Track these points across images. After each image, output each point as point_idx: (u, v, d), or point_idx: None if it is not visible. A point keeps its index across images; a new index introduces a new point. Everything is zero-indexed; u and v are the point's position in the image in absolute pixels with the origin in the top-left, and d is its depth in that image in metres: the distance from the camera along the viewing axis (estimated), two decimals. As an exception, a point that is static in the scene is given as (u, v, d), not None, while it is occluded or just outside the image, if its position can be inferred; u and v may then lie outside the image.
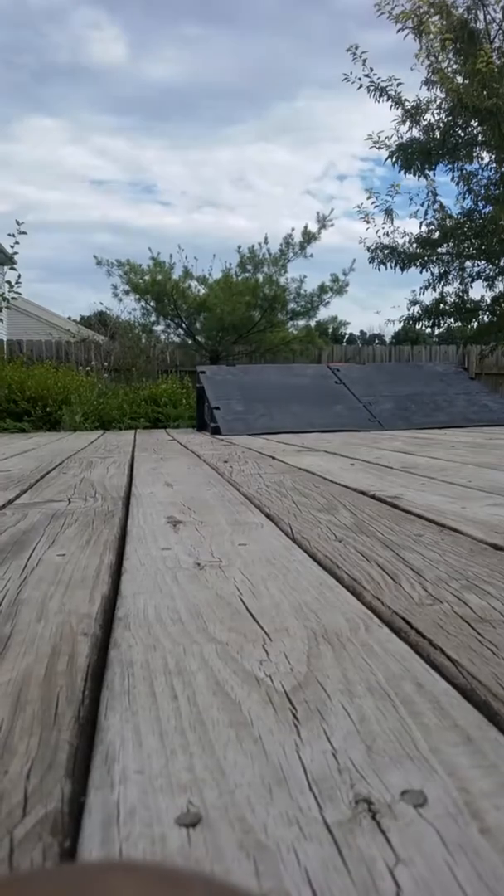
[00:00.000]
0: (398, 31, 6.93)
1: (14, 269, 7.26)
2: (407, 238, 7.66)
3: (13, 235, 7.10)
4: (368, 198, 7.63)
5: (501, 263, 7.68)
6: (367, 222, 7.62)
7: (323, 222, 9.51)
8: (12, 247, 7.19)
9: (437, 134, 7.26)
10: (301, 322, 10.53)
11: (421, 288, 7.96)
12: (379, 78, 7.14)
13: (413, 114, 7.30)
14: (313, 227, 9.55)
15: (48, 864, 0.30)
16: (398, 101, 7.25)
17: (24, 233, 7.12)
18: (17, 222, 7.09)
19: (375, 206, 7.60)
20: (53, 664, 0.53)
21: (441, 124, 7.33)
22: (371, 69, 7.07)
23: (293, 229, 9.69)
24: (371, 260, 7.68)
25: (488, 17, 7.14)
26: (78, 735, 0.42)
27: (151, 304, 9.70)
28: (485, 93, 6.63)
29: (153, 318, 9.93)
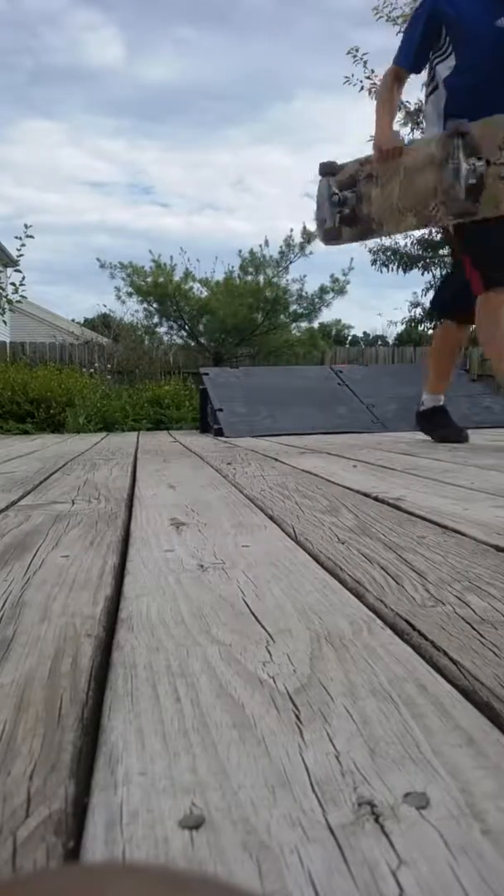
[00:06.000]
0: (397, 34, 6.93)
1: (19, 272, 7.29)
2: (409, 239, 7.67)
3: (20, 238, 7.13)
4: None
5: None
6: None
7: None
8: (18, 249, 7.22)
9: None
10: (304, 324, 10.54)
11: (422, 290, 7.97)
12: (379, 79, 7.14)
13: (415, 116, 7.32)
14: (313, 226, 9.56)
15: (52, 864, 0.31)
16: (399, 103, 7.26)
17: (32, 236, 7.15)
18: (26, 226, 7.13)
19: None
20: (57, 666, 0.54)
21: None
22: (372, 71, 7.10)
23: (292, 230, 9.70)
24: (373, 262, 7.69)
25: None
26: (81, 736, 0.42)
27: (154, 306, 9.73)
28: None
29: (156, 319, 9.96)
